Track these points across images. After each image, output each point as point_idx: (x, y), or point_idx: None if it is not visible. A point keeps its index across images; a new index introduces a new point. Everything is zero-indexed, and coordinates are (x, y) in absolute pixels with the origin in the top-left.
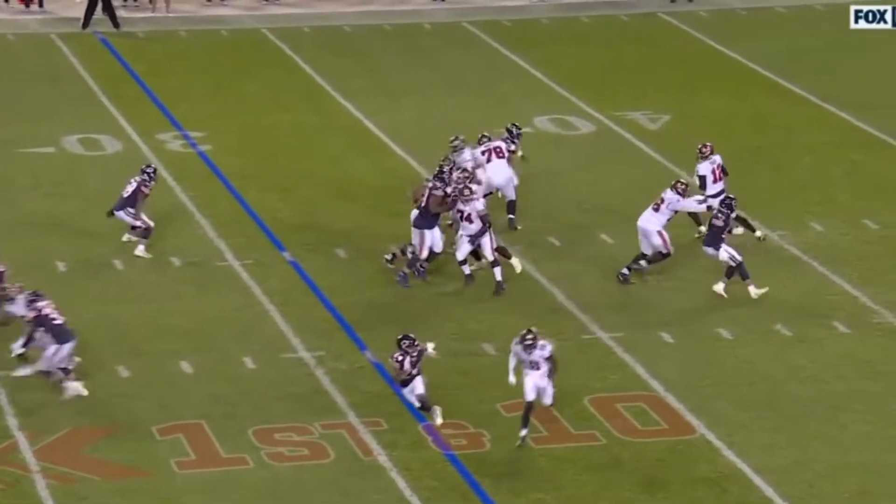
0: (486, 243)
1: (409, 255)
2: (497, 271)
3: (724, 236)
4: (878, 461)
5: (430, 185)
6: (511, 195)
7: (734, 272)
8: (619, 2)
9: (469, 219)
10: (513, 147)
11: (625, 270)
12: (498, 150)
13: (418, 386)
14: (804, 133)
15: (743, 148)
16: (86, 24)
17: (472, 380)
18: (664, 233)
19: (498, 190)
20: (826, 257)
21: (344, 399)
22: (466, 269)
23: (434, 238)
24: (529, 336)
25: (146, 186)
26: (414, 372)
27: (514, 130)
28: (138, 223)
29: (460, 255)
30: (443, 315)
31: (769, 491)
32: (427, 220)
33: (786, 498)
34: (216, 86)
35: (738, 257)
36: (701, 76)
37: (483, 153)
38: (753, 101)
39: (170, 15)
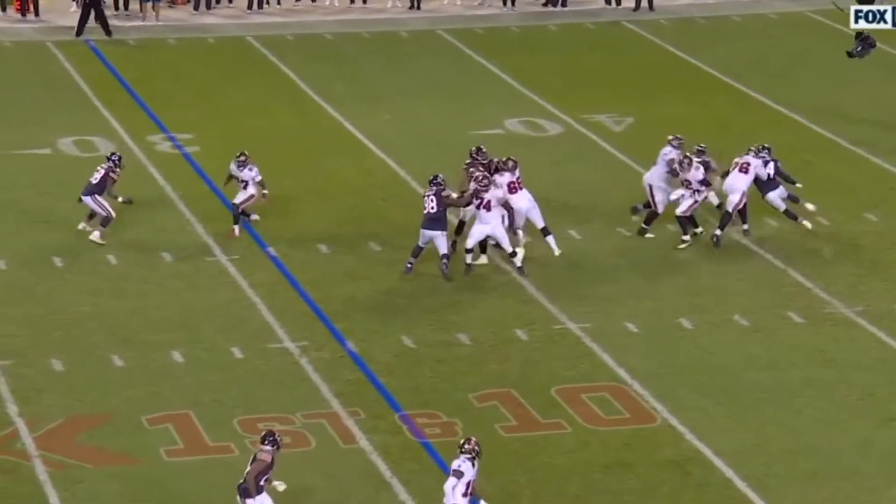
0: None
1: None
2: (518, 257)
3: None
4: (830, 444)
5: (436, 190)
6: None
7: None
8: (585, 11)
9: (488, 206)
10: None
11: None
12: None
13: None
14: (760, 135)
15: None
16: (79, 31)
17: (448, 369)
18: (661, 190)
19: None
20: (781, 251)
21: (327, 387)
22: (468, 258)
23: (442, 240)
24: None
25: (114, 172)
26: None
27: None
28: (102, 212)
29: (470, 243)
30: (420, 306)
31: (729, 472)
32: (436, 223)
33: (744, 479)
34: (203, 90)
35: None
36: (662, 81)
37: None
38: (712, 105)
39: (159, 23)
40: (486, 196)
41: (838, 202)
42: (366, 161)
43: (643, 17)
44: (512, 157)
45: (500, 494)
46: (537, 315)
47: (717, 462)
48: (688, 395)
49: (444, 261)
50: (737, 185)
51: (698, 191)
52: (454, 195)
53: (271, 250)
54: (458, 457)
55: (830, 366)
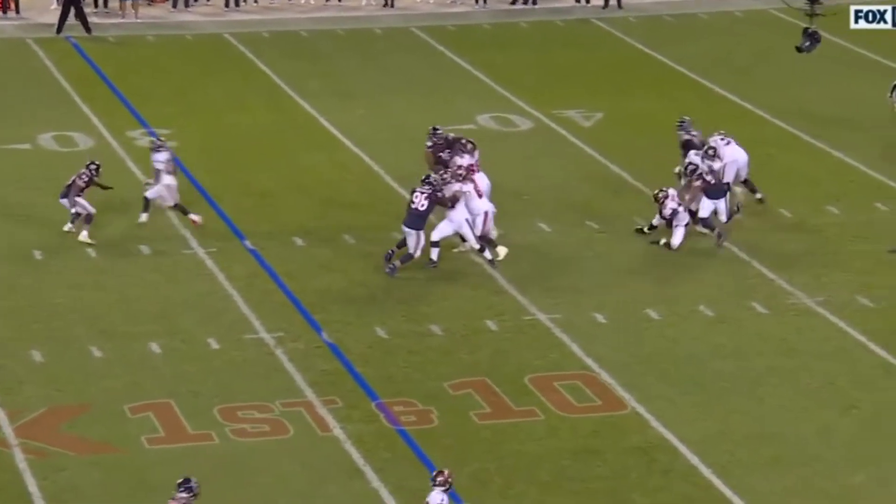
0: (468, 229)
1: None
2: (486, 253)
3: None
4: (792, 431)
5: (430, 192)
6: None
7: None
8: (555, 8)
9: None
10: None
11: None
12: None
13: None
14: (725, 129)
15: (669, 144)
16: (59, 29)
17: (421, 359)
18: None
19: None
20: (745, 243)
21: (302, 377)
22: (434, 254)
23: (421, 241)
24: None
25: (81, 179)
26: None
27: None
28: (82, 210)
29: (435, 237)
30: (393, 298)
31: (694, 459)
32: (419, 221)
33: (709, 465)
34: (181, 87)
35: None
36: (631, 77)
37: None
38: (679, 101)
39: (138, 21)
40: (445, 193)
41: (801, 195)
42: (340, 156)
43: (612, 15)
44: (470, 139)
45: (471, 482)
46: (508, 306)
47: (683, 449)
48: (654, 384)
49: (406, 262)
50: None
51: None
52: (447, 195)
53: (248, 243)
54: (432, 489)
55: (793, 355)
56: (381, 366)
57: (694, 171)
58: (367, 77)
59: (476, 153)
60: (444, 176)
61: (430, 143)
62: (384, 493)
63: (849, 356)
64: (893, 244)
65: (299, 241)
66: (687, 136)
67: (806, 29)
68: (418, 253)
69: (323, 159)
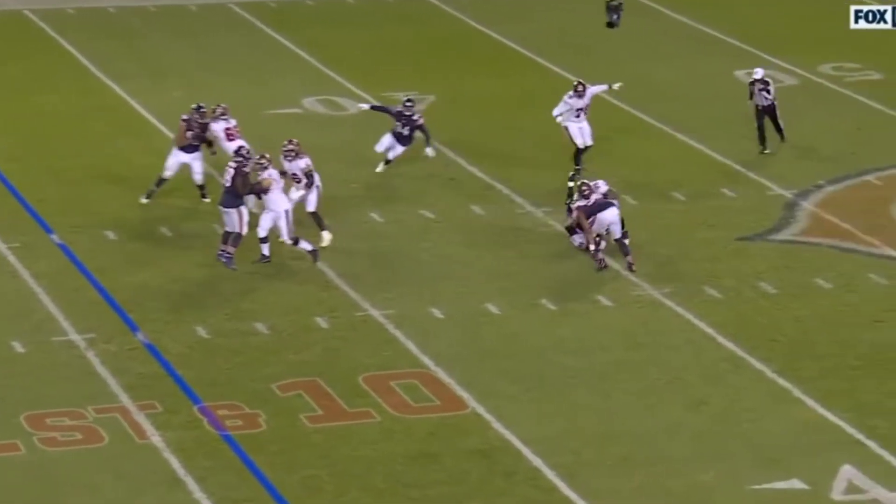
0: (285, 225)
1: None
2: (303, 244)
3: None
4: (640, 428)
5: (235, 164)
6: None
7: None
8: None
9: (297, 178)
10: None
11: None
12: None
13: None
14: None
15: (507, 126)
16: None
17: (246, 359)
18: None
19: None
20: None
21: (116, 381)
22: (265, 249)
23: (244, 216)
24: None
25: None
26: None
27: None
28: None
29: (261, 233)
30: (215, 295)
31: (537, 461)
32: (230, 198)
33: (553, 467)
34: None
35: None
36: (465, 57)
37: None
38: (516, 81)
39: None
40: (291, 168)
41: (644, 181)
42: (155, 141)
43: None
44: (221, 105)
45: (302, 489)
46: (338, 301)
47: (525, 451)
48: (495, 381)
49: (237, 243)
50: None
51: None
52: (263, 180)
53: (56, 237)
54: None
55: (639, 349)
56: (202, 367)
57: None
58: (182, 57)
59: (231, 118)
60: (262, 161)
61: (185, 116)
62: None
63: (697, 349)
64: (740, 232)
65: (112, 235)
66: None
67: (608, 4)
68: (244, 229)
69: (137, 145)
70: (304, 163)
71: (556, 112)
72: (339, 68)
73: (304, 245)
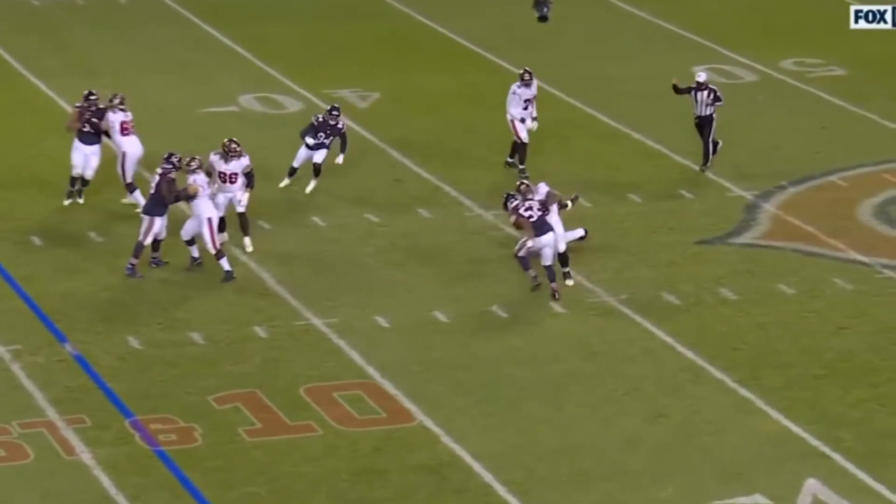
0: (209, 234)
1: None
2: (223, 263)
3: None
4: (596, 441)
5: (162, 171)
6: None
7: None
8: None
9: (233, 179)
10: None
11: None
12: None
13: None
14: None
15: (456, 126)
16: None
17: (181, 371)
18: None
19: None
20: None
21: (43, 395)
22: (194, 252)
23: (161, 225)
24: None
25: None
26: None
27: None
28: None
29: (185, 236)
30: (147, 303)
31: (489, 477)
32: (159, 207)
33: (506, 483)
34: None
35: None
36: (411, 53)
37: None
38: (465, 78)
39: None
40: (229, 169)
41: (600, 182)
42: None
43: None
44: (118, 94)
45: None
46: (278, 310)
47: (477, 466)
48: (444, 393)
49: (137, 253)
50: None
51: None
52: (189, 186)
53: None
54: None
55: (594, 358)
56: (134, 379)
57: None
58: (112, 53)
59: (127, 112)
60: (191, 164)
61: (79, 104)
62: None
63: (655, 358)
64: (700, 235)
65: (37, 240)
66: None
67: None
68: (147, 240)
69: (64, 146)
70: (245, 162)
71: (511, 111)
72: (278, 65)
73: (224, 263)
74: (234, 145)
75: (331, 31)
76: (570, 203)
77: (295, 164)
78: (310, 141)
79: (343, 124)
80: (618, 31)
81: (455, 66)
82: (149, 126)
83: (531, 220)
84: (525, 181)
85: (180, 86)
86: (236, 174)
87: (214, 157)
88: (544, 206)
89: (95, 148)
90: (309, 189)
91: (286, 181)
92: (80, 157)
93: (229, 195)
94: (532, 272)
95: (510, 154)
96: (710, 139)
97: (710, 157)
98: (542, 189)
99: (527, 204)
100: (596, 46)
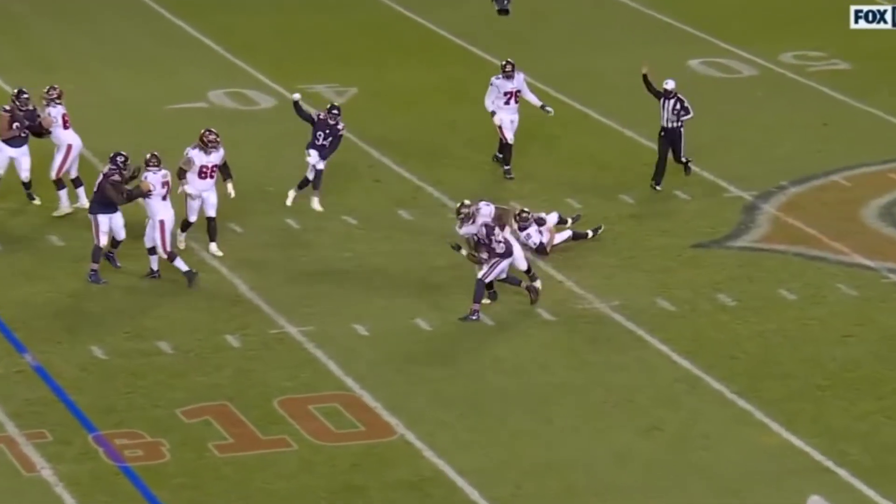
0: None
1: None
2: (178, 263)
3: None
4: (585, 456)
5: (107, 171)
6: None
7: None
8: None
9: (213, 173)
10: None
11: None
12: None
13: None
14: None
15: (437, 121)
16: None
17: (148, 382)
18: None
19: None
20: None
21: (1, 408)
22: (154, 262)
23: (112, 224)
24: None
25: None
26: None
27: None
28: None
29: (148, 243)
30: (113, 311)
31: (474, 494)
32: (102, 206)
33: (491, 500)
34: None
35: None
36: (390, 45)
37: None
38: (447, 72)
39: None
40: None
41: (590, 182)
42: (42, 140)
43: None
44: (55, 87)
45: None
46: (251, 318)
47: (461, 482)
48: (426, 405)
49: (95, 257)
50: None
51: None
52: (142, 183)
53: None
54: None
55: (584, 368)
56: (98, 392)
57: None
58: (73, 46)
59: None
60: (151, 161)
61: (7, 107)
62: None
63: (648, 367)
64: (696, 238)
65: None
66: None
67: None
68: (101, 240)
69: None
70: (223, 152)
71: (487, 102)
72: (249, 58)
73: (179, 264)
74: (212, 136)
75: (305, 23)
76: (590, 233)
77: (309, 176)
78: (312, 152)
79: (343, 126)
80: (607, 22)
81: (436, 60)
82: (112, 124)
83: (503, 251)
84: (465, 203)
85: (145, 81)
86: (217, 166)
87: (193, 152)
88: (500, 227)
89: (24, 149)
90: (313, 205)
91: (293, 194)
92: (3, 159)
93: (205, 194)
94: (486, 300)
95: (498, 149)
96: (680, 156)
97: (663, 176)
98: (486, 209)
99: (498, 236)
100: (584, 39)
